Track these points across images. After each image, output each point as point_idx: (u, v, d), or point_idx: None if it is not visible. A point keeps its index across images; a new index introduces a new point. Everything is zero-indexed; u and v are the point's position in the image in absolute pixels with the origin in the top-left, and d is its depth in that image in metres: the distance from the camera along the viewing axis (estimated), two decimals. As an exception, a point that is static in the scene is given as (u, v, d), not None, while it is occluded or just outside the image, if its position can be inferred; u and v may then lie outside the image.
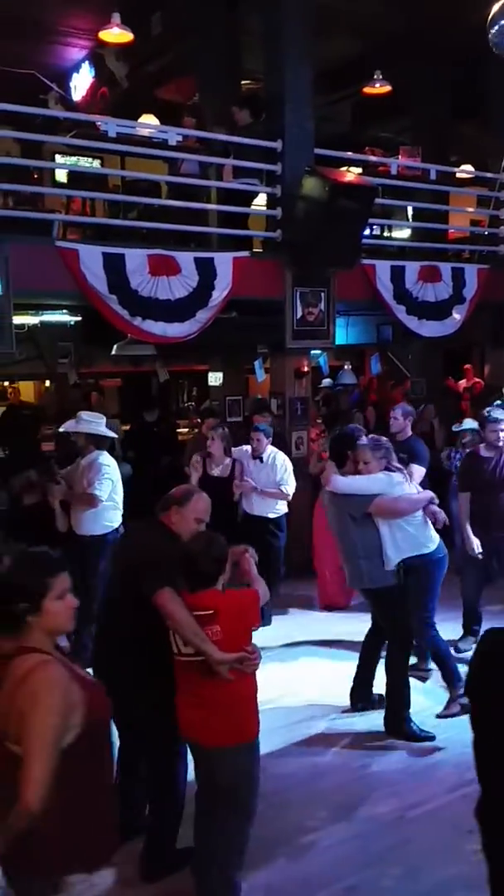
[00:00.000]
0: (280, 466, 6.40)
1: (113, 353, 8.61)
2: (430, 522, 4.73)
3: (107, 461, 5.62)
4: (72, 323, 9.83)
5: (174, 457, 9.09)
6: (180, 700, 3.14)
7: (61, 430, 5.95)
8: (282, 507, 6.52)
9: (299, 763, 4.40)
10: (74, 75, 10.94)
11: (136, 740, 3.50)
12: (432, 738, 4.59)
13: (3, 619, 2.28)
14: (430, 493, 4.78)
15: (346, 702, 5.01)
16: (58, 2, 8.97)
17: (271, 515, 6.46)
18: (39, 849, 2.15)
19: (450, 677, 4.89)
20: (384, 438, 4.90)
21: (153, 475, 8.08)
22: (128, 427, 10.26)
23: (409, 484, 4.78)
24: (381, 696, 4.88)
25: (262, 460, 6.42)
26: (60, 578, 2.32)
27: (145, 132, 7.70)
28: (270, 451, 6.47)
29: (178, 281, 7.00)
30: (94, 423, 5.70)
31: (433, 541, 4.74)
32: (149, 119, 8.77)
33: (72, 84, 10.97)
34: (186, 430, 11.85)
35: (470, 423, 6.84)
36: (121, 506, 5.71)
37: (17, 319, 6.74)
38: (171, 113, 8.94)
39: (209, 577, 3.10)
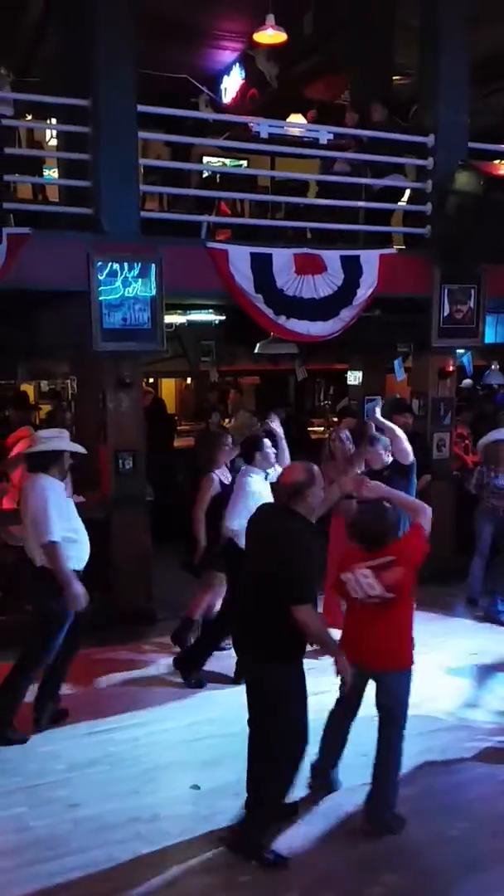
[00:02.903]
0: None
1: (256, 351, 8.71)
2: None
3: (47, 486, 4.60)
4: (216, 322, 10.05)
5: (306, 455, 9.06)
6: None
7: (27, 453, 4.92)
8: None
9: (437, 772, 4.30)
10: (225, 78, 11.15)
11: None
12: None
13: None
14: None
15: (488, 715, 4.84)
16: (213, 6, 9.16)
17: None
18: None
19: None
20: None
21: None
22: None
23: None
24: None
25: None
26: None
27: (296, 132, 7.75)
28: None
29: (324, 279, 7.00)
30: (56, 439, 4.81)
31: None
32: (297, 119, 8.82)
33: (222, 86, 11.19)
34: (321, 428, 11.85)
35: None
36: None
37: (166, 318, 6.95)
38: (320, 112, 8.95)
39: (382, 541, 3.68)
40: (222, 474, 5.73)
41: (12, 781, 4.21)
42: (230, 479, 5.64)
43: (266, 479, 5.24)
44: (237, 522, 4.86)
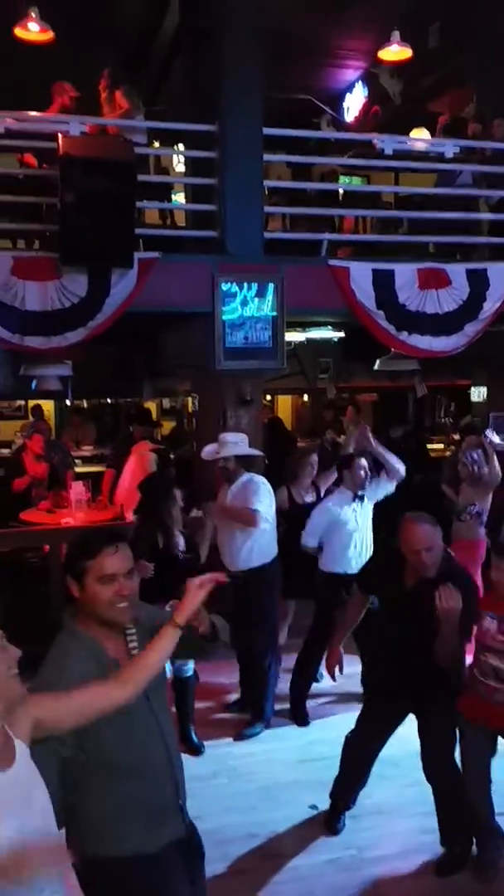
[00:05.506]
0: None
1: (375, 368, 8.64)
2: None
3: (263, 480, 4.96)
4: (335, 340, 10.04)
5: (426, 474, 8.85)
6: None
7: (203, 456, 5.15)
8: None
9: None
10: (347, 96, 11.19)
11: None
12: None
13: None
14: None
15: None
16: (337, 25, 9.22)
17: None
18: None
19: None
20: None
21: (406, 493, 7.92)
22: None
23: None
24: None
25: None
26: None
27: (420, 146, 7.67)
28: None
29: (448, 294, 6.87)
30: (240, 443, 5.03)
31: None
32: (421, 133, 8.73)
33: (344, 105, 11.23)
34: (441, 446, 11.57)
35: None
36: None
37: (286, 336, 7.00)
38: (445, 126, 8.80)
39: None
40: (297, 492, 5.79)
41: (135, 788, 4.32)
42: (309, 499, 5.71)
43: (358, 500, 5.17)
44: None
